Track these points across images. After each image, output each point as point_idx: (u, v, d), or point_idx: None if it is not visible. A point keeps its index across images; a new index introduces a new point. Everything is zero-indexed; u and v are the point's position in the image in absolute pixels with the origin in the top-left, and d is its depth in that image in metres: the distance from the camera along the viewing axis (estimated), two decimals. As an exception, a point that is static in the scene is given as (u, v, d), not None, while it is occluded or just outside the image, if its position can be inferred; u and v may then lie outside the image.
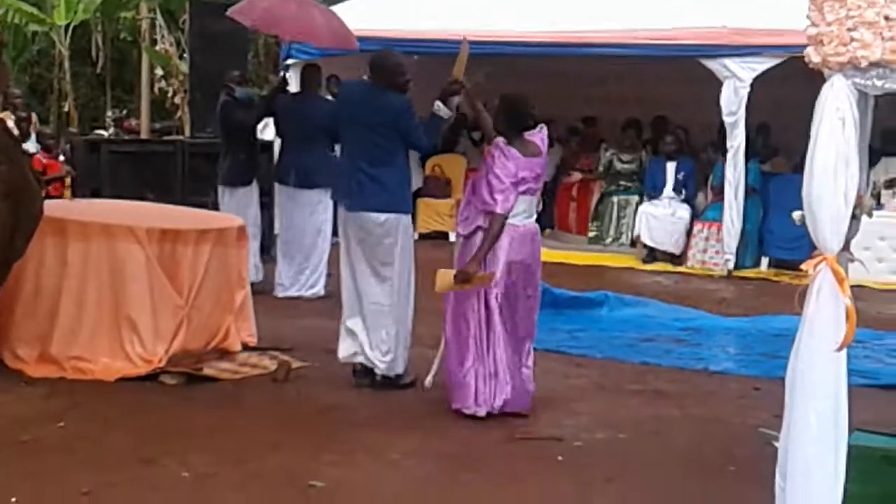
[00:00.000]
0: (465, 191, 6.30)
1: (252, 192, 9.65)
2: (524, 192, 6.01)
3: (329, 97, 10.37)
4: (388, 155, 6.45)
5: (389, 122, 6.40)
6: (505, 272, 5.98)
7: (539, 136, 6.14)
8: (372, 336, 6.53)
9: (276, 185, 9.86)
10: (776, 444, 3.99)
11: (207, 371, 6.70)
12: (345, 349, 6.68)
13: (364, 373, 6.64)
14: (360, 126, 6.51)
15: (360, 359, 6.61)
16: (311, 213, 9.45)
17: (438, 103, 6.45)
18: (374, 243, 6.46)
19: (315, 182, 9.32)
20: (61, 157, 11.59)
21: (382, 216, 6.42)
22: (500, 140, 6.04)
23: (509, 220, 5.94)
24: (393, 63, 6.59)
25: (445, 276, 5.94)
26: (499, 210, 5.88)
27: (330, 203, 9.47)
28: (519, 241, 6.03)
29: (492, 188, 5.91)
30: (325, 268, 9.56)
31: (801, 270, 3.88)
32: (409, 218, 6.63)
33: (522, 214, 6.05)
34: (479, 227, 6.00)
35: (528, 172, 6.00)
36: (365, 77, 6.77)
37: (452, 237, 6.22)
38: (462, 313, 6.03)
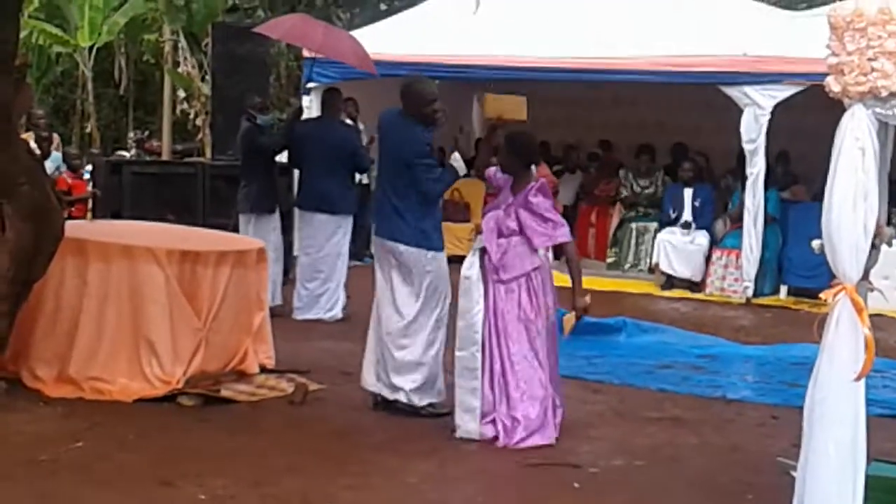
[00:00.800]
0: (489, 236, 6.11)
1: (274, 219, 9.69)
2: None
3: (348, 122, 10.40)
4: (408, 188, 6.42)
5: (405, 159, 6.38)
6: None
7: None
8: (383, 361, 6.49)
9: (297, 210, 9.90)
10: (794, 473, 3.97)
11: (225, 393, 6.71)
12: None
13: (385, 404, 6.57)
14: (386, 156, 6.55)
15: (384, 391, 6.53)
16: (329, 237, 9.47)
17: (456, 155, 6.45)
18: (400, 270, 6.44)
19: (335, 208, 9.37)
20: (86, 177, 11.68)
21: (401, 247, 6.41)
22: (542, 180, 6.21)
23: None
24: (418, 91, 6.49)
25: (570, 320, 6.07)
26: (569, 238, 6.12)
27: (349, 228, 9.52)
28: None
29: (554, 223, 6.02)
30: (344, 291, 9.59)
31: (820, 299, 3.88)
32: (435, 254, 6.47)
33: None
34: (523, 275, 6.03)
35: None
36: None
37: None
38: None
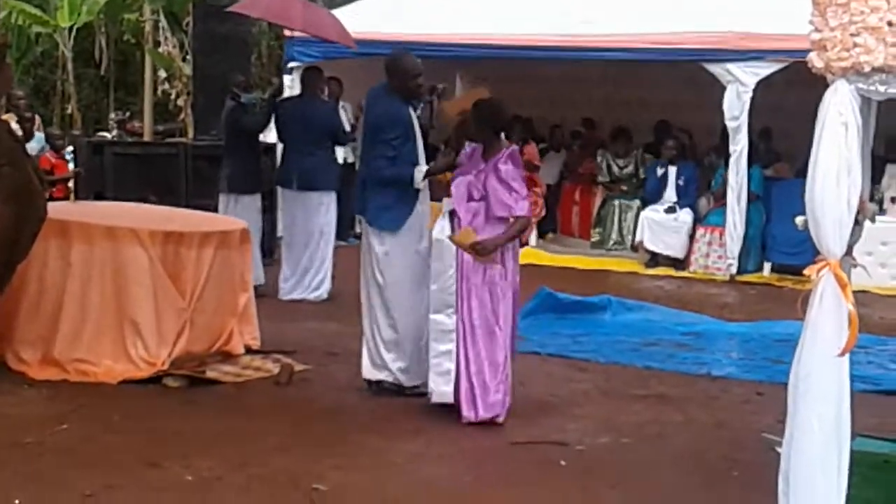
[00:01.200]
0: (459, 200, 6.01)
1: (256, 200, 9.67)
2: None
3: (326, 99, 10.37)
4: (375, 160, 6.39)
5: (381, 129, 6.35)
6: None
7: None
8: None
9: (279, 189, 9.88)
10: (779, 449, 3.99)
11: (210, 374, 6.70)
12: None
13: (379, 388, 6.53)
14: (367, 130, 6.53)
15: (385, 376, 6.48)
16: (313, 215, 9.46)
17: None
18: (370, 251, 6.41)
19: (316, 184, 9.37)
20: (68, 158, 11.63)
21: (370, 227, 6.39)
22: (513, 147, 6.11)
23: None
24: (403, 66, 6.46)
25: (467, 236, 5.87)
26: (526, 213, 5.99)
27: (333, 206, 9.50)
28: None
29: (518, 194, 5.92)
30: (330, 271, 9.57)
31: (803, 275, 3.88)
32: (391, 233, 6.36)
33: None
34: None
35: None
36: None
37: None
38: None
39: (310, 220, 9.48)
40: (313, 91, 9.70)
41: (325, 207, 9.46)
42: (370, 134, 6.48)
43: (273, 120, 9.67)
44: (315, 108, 9.51)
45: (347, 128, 10.85)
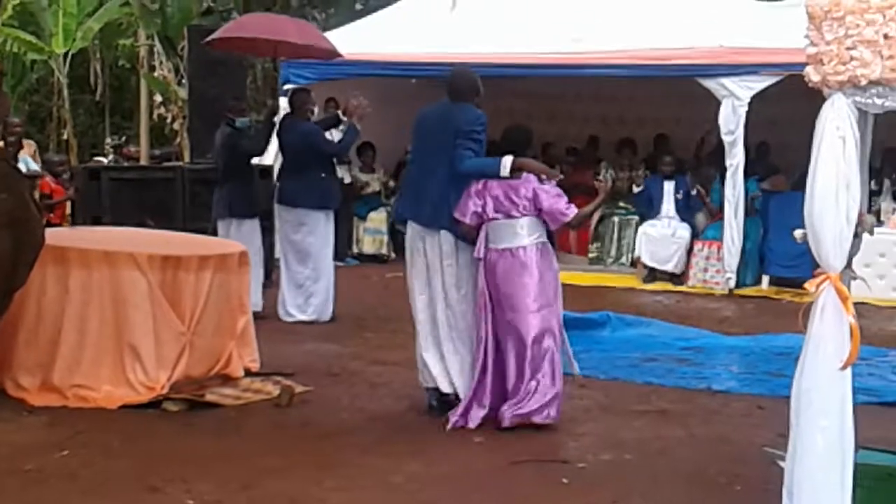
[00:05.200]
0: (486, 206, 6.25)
1: (254, 223, 9.66)
2: None
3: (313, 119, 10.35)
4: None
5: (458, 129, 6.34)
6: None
7: None
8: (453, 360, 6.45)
9: (275, 206, 9.92)
10: (782, 463, 3.98)
11: (210, 397, 6.68)
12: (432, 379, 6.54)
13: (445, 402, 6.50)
14: (432, 143, 6.53)
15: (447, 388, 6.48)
16: (294, 232, 9.47)
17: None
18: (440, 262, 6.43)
19: (298, 202, 9.41)
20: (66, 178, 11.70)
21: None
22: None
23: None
24: (474, 79, 6.62)
25: None
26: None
27: (321, 225, 9.46)
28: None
29: (566, 202, 6.28)
30: (329, 292, 9.53)
31: (802, 288, 3.90)
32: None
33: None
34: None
35: None
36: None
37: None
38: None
39: (291, 237, 9.49)
40: (300, 112, 9.73)
41: (307, 227, 9.44)
42: (444, 141, 6.30)
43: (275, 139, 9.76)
44: (294, 128, 9.55)
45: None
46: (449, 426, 6.16)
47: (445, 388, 6.45)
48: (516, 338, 6.19)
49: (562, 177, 6.58)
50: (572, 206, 6.31)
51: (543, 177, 6.30)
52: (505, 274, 6.20)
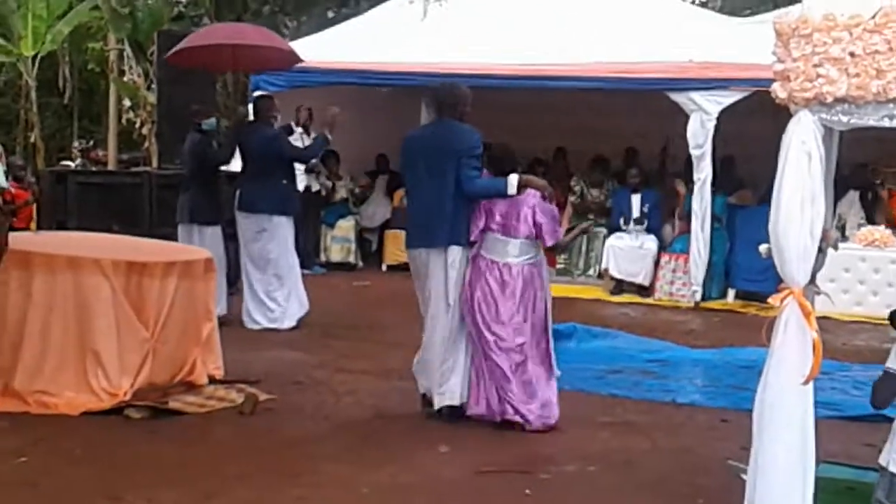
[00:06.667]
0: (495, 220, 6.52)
1: (218, 230, 9.62)
2: None
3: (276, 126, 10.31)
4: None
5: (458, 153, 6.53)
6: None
7: None
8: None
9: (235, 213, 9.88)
10: (745, 476, 4.00)
11: (173, 405, 6.63)
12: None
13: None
14: (428, 161, 6.67)
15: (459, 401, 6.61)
16: (254, 239, 9.44)
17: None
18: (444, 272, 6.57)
19: (255, 207, 9.39)
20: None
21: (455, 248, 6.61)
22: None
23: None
24: (463, 93, 6.77)
25: None
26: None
27: (280, 232, 9.42)
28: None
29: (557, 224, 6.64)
30: (292, 299, 9.49)
31: (767, 303, 3.90)
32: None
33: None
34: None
35: None
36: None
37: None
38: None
39: (251, 244, 9.45)
40: (264, 118, 9.71)
41: (268, 234, 9.41)
42: (445, 162, 6.48)
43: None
44: (256, 134, 9.54)
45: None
46: (469, 412, 6.51)
47: (458, 401, 6.58)
48: (493, 344, 6.44)
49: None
50: (560, 231, 6.68)
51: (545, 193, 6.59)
52: (489, 284, 6.45)
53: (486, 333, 6.42)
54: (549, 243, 6.55)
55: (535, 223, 6.46)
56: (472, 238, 6.53)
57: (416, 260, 6.67)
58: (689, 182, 11.79)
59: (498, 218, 6.49)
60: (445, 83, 6.98)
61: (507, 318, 6.42)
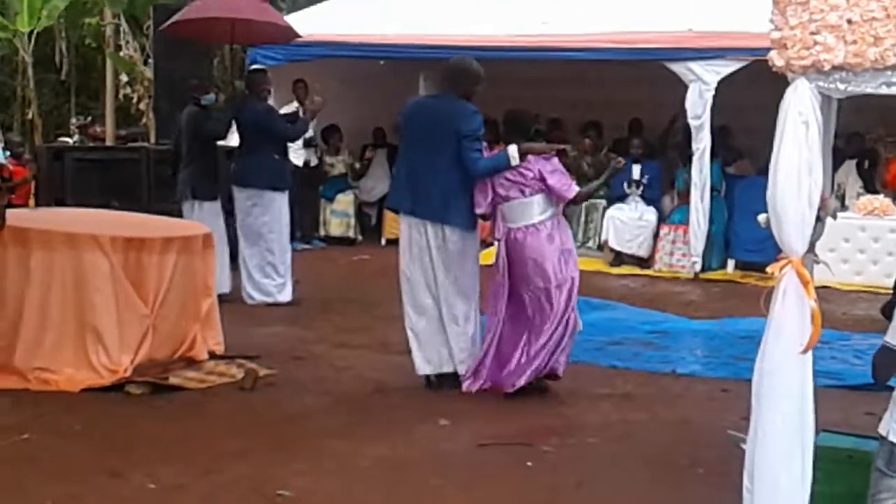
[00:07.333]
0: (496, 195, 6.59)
1: (217, 206, 9.59)
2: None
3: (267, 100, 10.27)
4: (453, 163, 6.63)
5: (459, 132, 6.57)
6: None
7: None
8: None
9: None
10: (744, 446, 3.99)
11: (174, 380, 6.64)
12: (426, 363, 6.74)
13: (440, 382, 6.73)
14: (426, 134, 6.72)
15: (445, 369, 6.70)
16: (248, 213, 9.42)
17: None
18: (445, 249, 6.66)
19: (248, 182, 9.41)
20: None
21: (449, 228, 6.69)
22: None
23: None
24: (476, 70, 6.77)
25: None
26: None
27: (274, 206, 9.41)
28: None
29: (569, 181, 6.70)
30: (287, 274, 9.48)
31: (766, 273, 3.89)
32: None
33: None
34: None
35: None
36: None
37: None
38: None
39: (245, 218, 9.45)
40: (257, 92, 9.68)
41: (260, 208, 9.39)
42: (446, 140, 6.52)
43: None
44: (248, 109, 9.52)
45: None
46: (464, 388, 6.58)
47: (449, 368, 6.68)
48: (542, 304, 6.59)
49: (570, 148, 6.82)
50: (573, 184, 6.71)
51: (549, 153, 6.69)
52: (532, 247, 6.53)
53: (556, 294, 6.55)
54: (570, 196, 6.59)
55: (547, 186, 6.51)
56: (480, 210, 6.60)
57: (408, 227, 6.69)
58: (688, 153, 11.76)
59: (506, 186, 6.53)
60: (463, 58, 6.96)
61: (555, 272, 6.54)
